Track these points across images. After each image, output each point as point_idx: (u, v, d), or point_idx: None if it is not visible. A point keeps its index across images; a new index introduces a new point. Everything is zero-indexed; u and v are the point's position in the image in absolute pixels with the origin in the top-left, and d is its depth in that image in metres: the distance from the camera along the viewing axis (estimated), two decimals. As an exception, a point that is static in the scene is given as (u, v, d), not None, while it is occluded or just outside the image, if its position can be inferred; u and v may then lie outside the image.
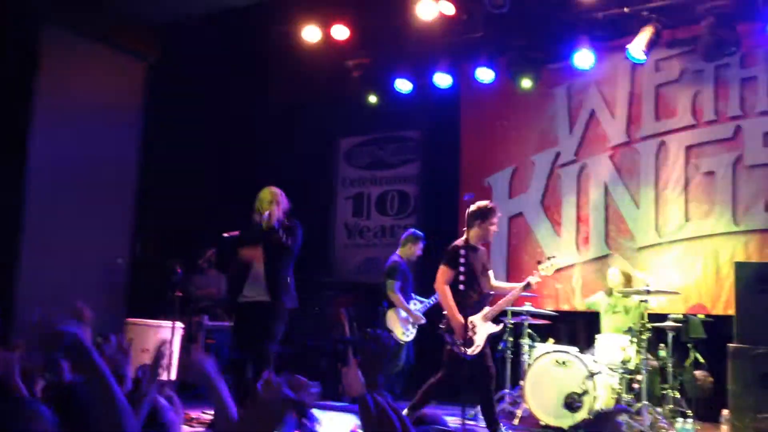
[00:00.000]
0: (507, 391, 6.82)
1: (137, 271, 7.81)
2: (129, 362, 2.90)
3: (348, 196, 9.88)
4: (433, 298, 7.14)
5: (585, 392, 6.05)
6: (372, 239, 9.55)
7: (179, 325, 6.77)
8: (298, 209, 9.11)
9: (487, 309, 5.68)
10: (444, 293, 5.56)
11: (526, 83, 8.11)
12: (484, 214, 5.70)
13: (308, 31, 7.92)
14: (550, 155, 8.47)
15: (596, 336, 6.78)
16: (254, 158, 9.19)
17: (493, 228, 5.77)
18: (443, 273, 5.61)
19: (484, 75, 8.16)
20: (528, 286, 5.73)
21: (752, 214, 7.20)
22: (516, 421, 6.44)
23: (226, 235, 6.49)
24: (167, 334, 6.43)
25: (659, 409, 6.15)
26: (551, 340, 6.86)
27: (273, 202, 5.63)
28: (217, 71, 8.50)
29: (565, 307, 7.99)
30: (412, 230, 7.68)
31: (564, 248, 8.20)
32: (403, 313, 7.27)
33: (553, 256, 6.05)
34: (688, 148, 7.67)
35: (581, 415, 6.05)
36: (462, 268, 5.43)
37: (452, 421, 5.38)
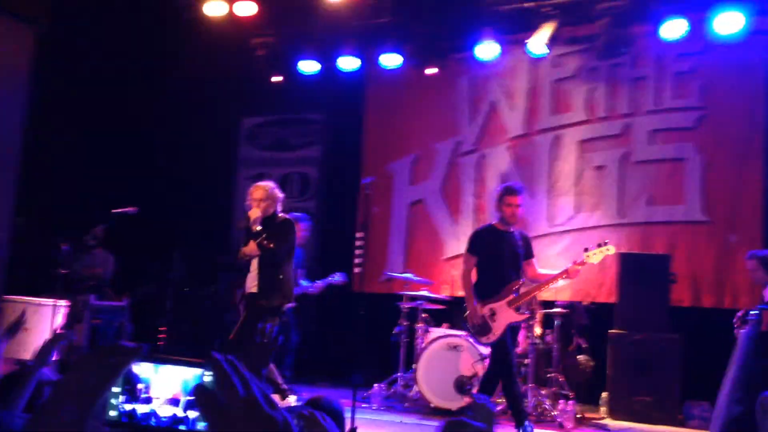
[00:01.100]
0: (400, 374, 6.93)
1: (18, 247, 7.43)
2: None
3: (249, 176, 9.72)
4: (329, 279, 6.95)
5: (475, 375, 6.22)
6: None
7: (62, 303, 6.51)
8: (198, 188, 8.98)
9: (512, 296, 5.38)
10: (461, 279, 5.62)
11: (431, 71, 8.21)
12: (499, 196, 5.54)
13: (212, 5, 7.70)
14: (451, 144, 8.62)
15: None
16: (152, 134, 8.91)
17: (510, 210, 5.43)
18: (464, 259, 5.70)
19: (390, 61, 8.19)
20: (566, 273, 5.37)
21: (636, 207, 7.58)
22: (407, 404, 6.56)
23: (116, 211, 6.28)
24: (48, 312, 6.17)
25: (543, 391, 6.40)
26: (445, 325, 7.01)
27: (262, 201, 5.57)
28: (114, 42, 8.17)
29: (461, 294, 8.16)
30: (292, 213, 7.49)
31: (462, 236, 8.37)
32: None
33: (606, 242, 5.44)
34: (581, 142, 7.97)
35: (470, 397, 6.23)
36: (479, 253, 5.45)
37: (345, 403, 5.43)
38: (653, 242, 7.42)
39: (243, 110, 9.65)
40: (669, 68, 7.60)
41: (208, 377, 0.91)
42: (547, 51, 7.50)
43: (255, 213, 5.51)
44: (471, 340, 6.50)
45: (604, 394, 6.73)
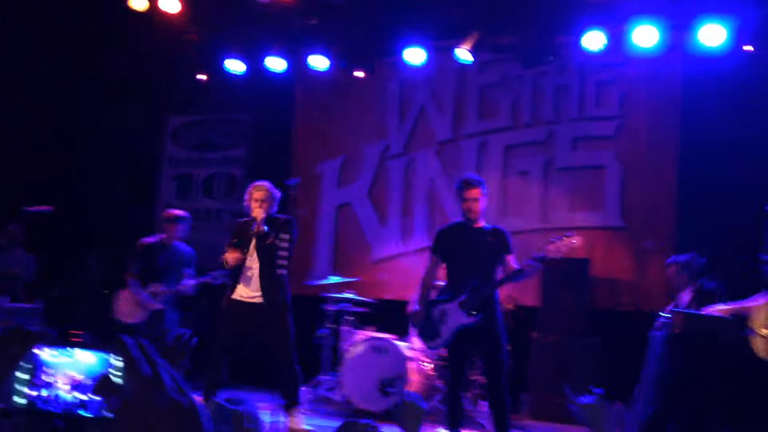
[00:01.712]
0: (325, 376, 6.90)
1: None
2: None
3: (173, 176, 9.52)
4: (204, 277, 6.63)
5: (399, 377, 6.25)
6: (196, 223, 9.23)
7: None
8: (119, 187, 8.72)
9: (464, 297, 4.95)
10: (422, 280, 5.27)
11: (360, 74, 8.22)
12: (457, 191, 5.19)
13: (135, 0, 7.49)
14: (380, 147, 8.65)
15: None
16: (71, 130, 8.61)
17: (466, 205, 5.06)
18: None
19: (319, 63, 8.15)
20: (522, 270, 4.96)
21: (558, 212, 7.76)
22: (332, 407, 6.53)
23: (29, 209, 6.05)
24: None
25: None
26: (372, 328, 7.01)
27: (264, 201, 5.49)
28: (35, 34, 7.87)
29: (388, 297, 8.19)
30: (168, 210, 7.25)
31: (389, 239, 8.44)
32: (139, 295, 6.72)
33: (570, 235, 5.00)
34: (507, 148, 8.12)
35: (394, 399, 6.25)
36: (441, 252, 5.16)
37: (265, 406, 5.37)
38: (549, 259, 7.57)
39: (168, 108, 9.44)
40: (591, 78, 7.82)
41: (116, 361, 0.89)
42: (473, 58, 7.61)
43: (260, 214, 5.43)
44: (396, 342, 6.53)
45: (524, 396, 6.87)
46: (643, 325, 5.66)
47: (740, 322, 4.59)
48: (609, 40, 7.08)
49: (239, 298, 5.51)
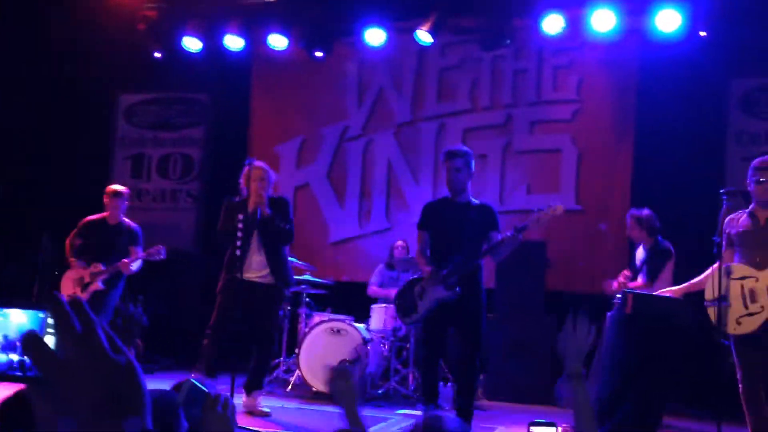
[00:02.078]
0: (282, 359, 6.87)
1: None
2: None
3: (127, 156, 9.32)
4: (144, 255, 6.43)
5: (357, 359, 6.25)
6: (151, 203, 9.11)
7: None
8: (70, 167, 8.51)
9: (444, 272, 4.74)
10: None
11: (319, 55, 8.14)
12: (442, 161, 4.98)
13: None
14: (339, 128, 8.60)
15: (372, 306, 7.01)
16: (20, 107, 8.35)
17: (449, 175, 4.87)
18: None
19: (277, 42, 8.05)
20: (502, 241, 4.74)
21: (516, 195, 7.83)
22: (289, 388, 6.51)
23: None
24: None
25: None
26: (328, 310, 6.99)
27: (263, 181, 5.31)
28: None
29: (345, 278, 8.19)
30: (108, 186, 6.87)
31: (347, 221, 8.41)
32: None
33: (554, 205, 4.83)
34: (466, 131, 8.14)
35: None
36: (427, 227, 4.96)
37: (222, 388, 5.32)
38: (531, 230, 7.68)
39: (121, 86, 9.21)
40: (549, 62, 7.88)
41: (51, 319, 0.85)
42: (432, 40, 7.59)
43: (261, 197, 5.27)
44: (353, 324, 6.53)
45: (481, 377, 6.93)
46: (598, 306, 5.75)
47: (693, 304, 4.69)
48: (567, 24, 7.13)
49: (247, 279, 5.32)
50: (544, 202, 7.62)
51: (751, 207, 4.44)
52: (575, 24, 7.21)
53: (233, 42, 8.07)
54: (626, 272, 5.91)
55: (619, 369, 4.90)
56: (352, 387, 2.09)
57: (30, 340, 0.80)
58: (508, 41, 7.53)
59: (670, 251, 5.78)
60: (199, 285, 8.79)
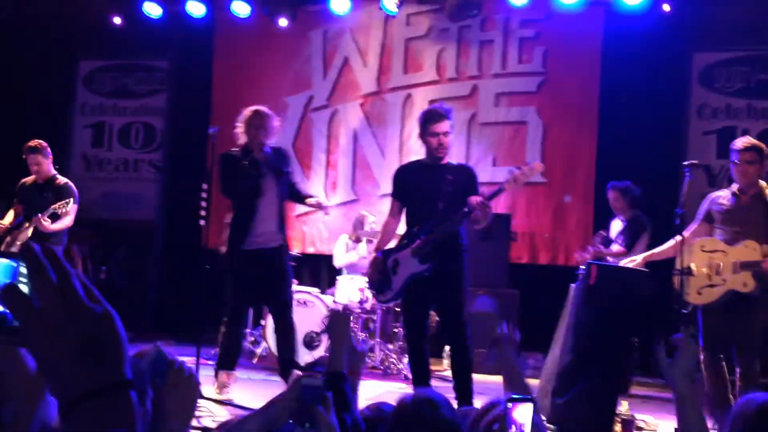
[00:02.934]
0: (248, 330, 6.84)
1: None
2: None
3: (87, 124, 9.11)
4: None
5: (323, 331, 6.26)
6: (113, 173, 8.93)
7: None
8: (30, 135, 8.25)
9: (418, 242, 4.35)
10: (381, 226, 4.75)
11: (283, 22, 8.01)
12: (422, 124, 4.44)
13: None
14: (303, 98, 8.50)
15: (337, 278, 7.01)
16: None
17: (436, 140, 4.33)
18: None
19: (240, 9, 7.91)
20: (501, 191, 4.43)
21: (482, 167, 7.82)
22: (255, 360, 6.51)
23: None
24: None
25: (390, 346, 6.56)
26: (295, 281, 6.96)
27: (265, 129, 4.77)
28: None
29: (311, 250, 8.17)
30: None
31: (313, 192, 8.33)
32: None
33: (530, 162, 4.56)
34: (431, 102, 8.10)
35: (319, 352, 6.28)
36: (400, 196, 4.53)
37: (188, 361, 5.29)
38: (495, 202, 7.73)
39: (80, 52, 8.96)
40: (514, 34, 7.87)
41: (23, 269, 0.85)
42: (398, 9, 7.53)
43: (261, 146, 4.74)
44: (320, 295, 6.53)
45: (447, 348, 7.00)
46: (561, 278, 5.83)
47: (656, 274, 4.79)
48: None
49: (258, 247, 4.85)
50: (509, 174, 7.74)
51: (734, 186, 4.56)
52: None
53: (195, 8, 7.91)
54: (597, 240, 6.04)
55: (583, 339, 4.99)
56: (346, 331, 2.11)
57: (9, 291, 0.79)
58: (475, 12, 7.50)
59: (647, 224, 5.95)
60: (160, 255, 8.70)
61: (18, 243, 5.92)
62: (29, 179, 6.24)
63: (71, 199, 5.79)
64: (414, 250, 4.35)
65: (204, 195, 5.22)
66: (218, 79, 8.72)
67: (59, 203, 5.70)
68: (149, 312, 8.47)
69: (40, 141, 6.07)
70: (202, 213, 5.23)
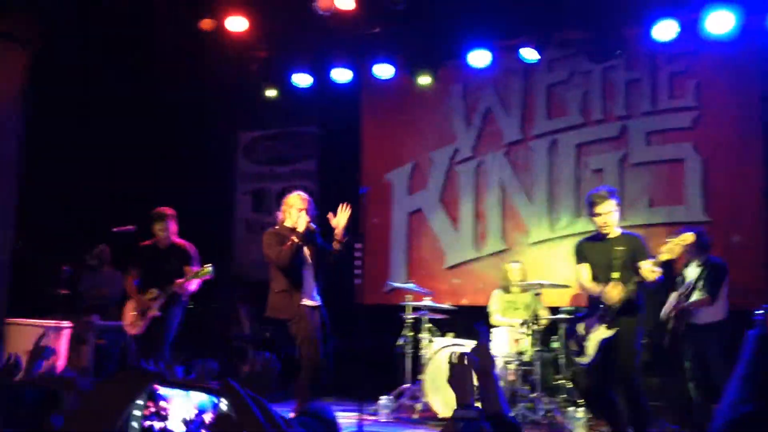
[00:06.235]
0: (407, 385, 6.88)
1: (19, 269, 7.40)
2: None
3: (247, 191, 9.71)
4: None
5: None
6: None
7: (66, 324, 6.47)
8: (196, 203, 8.93)
9: (601, 311, 5.09)
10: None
11: (424, 80, 8.21)
12: (589, 205, 5.27)
13: (205, 22, 7.67)
14: (448, 152, 8.60)
15: (492, 330, 6.93)
16: (148, 152, 8.86)
17: (602, 220, 5.19)
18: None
19: (383, 71, 8.18)
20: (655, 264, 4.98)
21: (637, 209, 7.54)
22: (415, 416, 6.50)
23: (115, 230, 6.21)
24: (50, 334, 6.13)
25: (553, 399, 6.35)
26: (450, 335, 6.95)
27: (307, 210, 5.73)
28: (108, 60, 8.13)
29: (464, 302, 8.13)
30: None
31: (462, 244, 8.37)
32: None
33: (681, 232, 5.11)
34: (578, 146, 7.96)
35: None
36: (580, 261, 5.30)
37: (348, 416, 5.39)
38: (655, 244, 7.38)
39: (238, 125, 9.64)
40: (663, 69, 7.59)
41: (224, 405, 0.91)
42: (538, 56, 7.50)
43: (307, 223, 5.64)
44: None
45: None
46: (738, 323, 5.44)
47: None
48: (680, 28, 6.86)
49: (307, 304, 5.62)
50: (668, 215, 7.39)
51: None
52: (689, 28, 6.92)
53: (341, 74, 8.27)
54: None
55: (762, 385, 4.62)
56: (469, 373, 2.14)
57: (222, 421, 0.85)
58: (619, 52, 7.33)
59: (726, 267, 5.95)
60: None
61: (149, 314, 6.23)
62: (147, 243, 6.47)
63: (210, 265, 6.22)
64: (599, 318, 4.99)
65: (358, 254, 5.42)
66: (366, 140, 9.02)
67: (204, 267, 6.16)
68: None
69: (169, 209, 6.52)
70: (357, 272, 5.41)
